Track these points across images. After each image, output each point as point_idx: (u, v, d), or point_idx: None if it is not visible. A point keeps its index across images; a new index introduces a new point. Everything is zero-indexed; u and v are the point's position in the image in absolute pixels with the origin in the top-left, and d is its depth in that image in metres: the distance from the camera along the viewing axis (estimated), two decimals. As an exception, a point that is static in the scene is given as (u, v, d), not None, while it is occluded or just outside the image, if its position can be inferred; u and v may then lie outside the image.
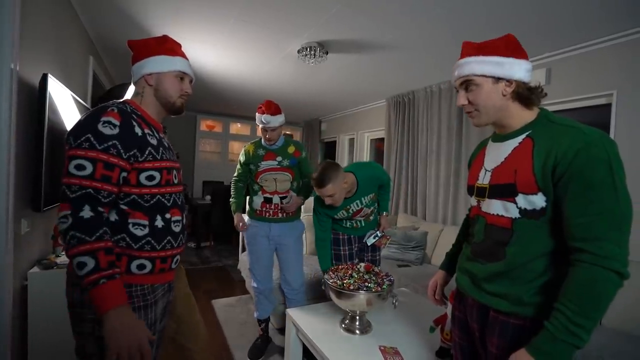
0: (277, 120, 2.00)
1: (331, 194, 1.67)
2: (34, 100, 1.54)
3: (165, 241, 0.99)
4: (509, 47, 0.87)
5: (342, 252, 2.03)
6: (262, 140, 2.11)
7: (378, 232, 2.05)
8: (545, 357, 0.74)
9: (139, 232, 0.94)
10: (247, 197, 2.24)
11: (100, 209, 0.86)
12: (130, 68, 1.06)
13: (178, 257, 1.06)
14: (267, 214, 2.07)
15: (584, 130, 0.77)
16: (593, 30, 2.16)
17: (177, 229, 1.03)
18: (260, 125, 2.02)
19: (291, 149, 2.11)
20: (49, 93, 1.55)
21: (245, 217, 2.19)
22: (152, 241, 0.96)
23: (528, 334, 0.79)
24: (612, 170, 0.73)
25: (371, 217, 2.06)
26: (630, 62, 2.14)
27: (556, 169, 0.77)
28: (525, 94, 0.87)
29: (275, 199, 2.07)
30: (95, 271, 0.81)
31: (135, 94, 1.05)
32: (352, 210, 1.89)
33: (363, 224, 2.04)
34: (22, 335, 1.58)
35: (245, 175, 2.16)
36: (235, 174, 2.20)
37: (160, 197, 0.98)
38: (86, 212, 0.84)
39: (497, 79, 0.86)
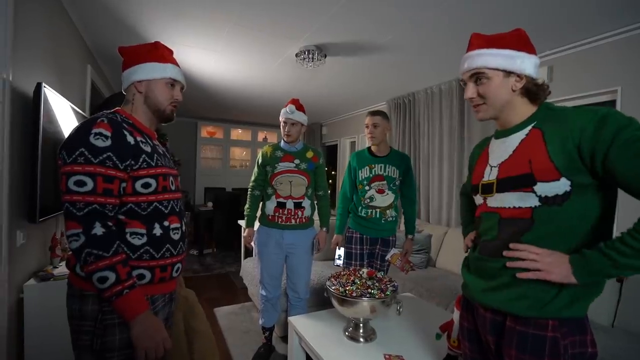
0: (300, 116, 2.04)
1: (376, 123, 2.09)
2: (29, 109, 1.52)
3: (164, 249, 0.97)
4: (521, 41, 0.86)
5: (353, 251, 2.18)
6: (282, 142, 2.11)
7: (400, 254, 2.16)
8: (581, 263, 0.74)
9: (136, 242, 0.93)
10: (260, 203, 2.19)
11: (109, 223, 0.88)
12: (121, 75, 1.04)
13: (179, 265, 1.04)
14: (280, 219, 2.03)
15: (591, 108, 0.77)
16: (595, 26, 2.13)
17: (176, 237, 1.01)
18: (283, 119, 2.04)
19: (310, 154, 2.10)
20: (44, 102, 1.53)
21: (256, 224, 2.16)
22: (151, 250, 0.94)
23: (550, 346, 0.76)
24: (633, 123, 0.71)
25: (388, 212, 2.14)
26: (634, 58, 2.10)
27: (581, 148, 0.74)
28: (534, 90, 0.86)
29: (289, 204, 2.02)
30: (118, 283, 0.85)
31: (126, 102, 1.04)
32: (375, 171, 2.13)
33: (378, 215, 2.11)
34: (19, 350, 1.55)
35: (263, 180, 2.10)
36: (252, 179, 2.14)
37: (158, 205, 0.96)
38: (98, 229, 0.85)
39: (509, 73, 0.85)
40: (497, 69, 0.85)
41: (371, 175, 2.14)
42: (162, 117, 1.06)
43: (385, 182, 2.12)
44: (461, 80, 0.94)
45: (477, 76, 0.88)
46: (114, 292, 0.84)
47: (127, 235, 0.92)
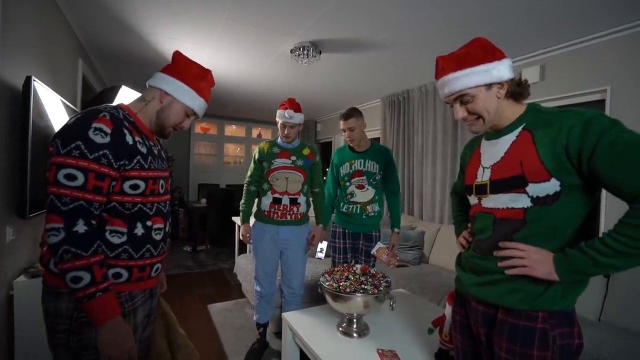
0: (299, 117, 2.05)
1: (352, 127, 2.10)
2: (18, 103, 1.49)
3: (144, 249, 0.95)
4: (488, 52, 0.87)
5: (337, 245, 2.28)
6: (279, 138, 2.11)
7: (386, 248, 2.14)
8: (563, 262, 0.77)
9: (115, 240, 0.90)
10: (255, 199, 2.19)
11: (92, 221, 0.85)
12: (156, 72, 1.03)
13: (159, 265, 1.02)
14: (276, 215, 2.03)
15: (578, 111, 0.80)
16: (587, 26, 2.15)
17: (158, 237, 0.99)
18: (281, 121, 2.03)
19: (306, 151, 2.11)
20: (34, 96, 1.50)
21: (252, 220, 2.16)
22: (130, 249, 0.92)
23: (539, 336, 0.78)
24: (617, 125, 0.74)
25: (369, 208, 2.17)
26: (623, 58, 2.14)
27: (569, 150, 0.77)
28: (517, 90, 0.89)
29: (285, 200, 2.03)
30: (92, 285, 0.81)
31: (141, 99, 1.02)
32: (355, 167, 2.17)
33: (358, 211, 2.16)
34: (9, 347, 1.53)
35: (259, 175, 2.11)
36: (248, 175, 2.14)
37: (142, 206, 0.94)
38: (80, 227, 0.82)
39: (490, 85, 0.87)
40: (478, 86, 0.87)
41: (351, 171, 2.18)
42: (160, 132, 1.05)
43: (364, 177, 2.15)
44: (445, 102, 0.95)
45: (461, 98, 0.90)
46: (86, 294, 0.81)
47: (107, 233, 0.89)
